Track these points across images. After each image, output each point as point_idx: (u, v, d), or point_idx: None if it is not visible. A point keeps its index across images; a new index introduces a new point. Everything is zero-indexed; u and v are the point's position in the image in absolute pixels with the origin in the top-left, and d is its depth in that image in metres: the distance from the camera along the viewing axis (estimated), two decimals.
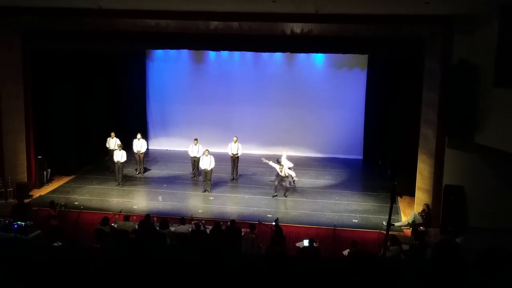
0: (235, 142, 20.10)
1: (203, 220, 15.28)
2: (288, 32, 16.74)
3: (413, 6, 13.47)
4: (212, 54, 23.79)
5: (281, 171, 18.18)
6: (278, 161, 18.81)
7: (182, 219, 14.61)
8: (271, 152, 23.32)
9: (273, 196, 18.25)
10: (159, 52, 24.19)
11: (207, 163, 18.57)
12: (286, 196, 18.33)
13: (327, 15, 15.01)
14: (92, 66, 21.45)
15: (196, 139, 20.13)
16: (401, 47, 16.96)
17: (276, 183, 18.42)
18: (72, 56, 20.11)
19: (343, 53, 20.59)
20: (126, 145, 20.21)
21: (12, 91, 17.64)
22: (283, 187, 18.46)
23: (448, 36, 15.02)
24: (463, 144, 14.95)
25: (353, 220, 16.37)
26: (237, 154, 20.03)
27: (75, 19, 16.35)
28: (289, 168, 18.85)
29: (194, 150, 20.04)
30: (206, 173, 18.62)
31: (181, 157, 22.00)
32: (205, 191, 18.64)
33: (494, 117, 13.64)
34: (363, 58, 22.57)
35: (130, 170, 20.83)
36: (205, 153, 18.75)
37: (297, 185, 19.21)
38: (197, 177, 20.00)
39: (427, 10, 13.89)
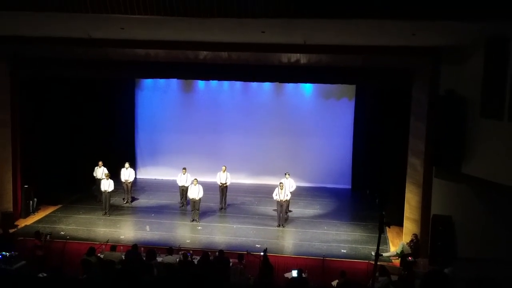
0: (224, 171, 20.08)
1: (191, 250, 15.13)
2: (277, 62, 16.89)
3: (400, 38, 13.65)
4: (201, 83, 23.89)
5: (281, 188, 18.12)
6: (285, 175, 19.18)
7: (170, 249, 14.47)
8: (260, 181, 23.39)
9: (277, 226, 18.26)
10: (148, 81, 24.26)
11: (195, 193, 18.48)
12: (283, 226, 18.26)
13: (315, 46, 15.17)
14: (81, 94, 21.53)
15: (184, 168, 20.09)
16: (389, 77, 17.14)
17: (278, 211, 18.38)
18: (60, 84, 20.16)
19: (331, 83, 20.79)
20: (114, 174, 20.08)
21: (0, 118, 17.54)
22: (283, 217, 18.41)
23: (435, 67, 15.18)
24: (451, 174, 15.01)
25: (342, 250, 16.30)
26: (225, 183, 19.99)
27: (65, 48, 16.38)
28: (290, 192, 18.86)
29: (182, 179, 19.97)
30: (195, 202, 18.52)
31: (169, 186, 21.91)
32: (193, 220, 18.52)
33: (481, 147, 13.73)
34: (351, 88, 22.79)
35: (117, 200, 20.68)
36: (194, 183, 18.67)
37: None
38: (185, 206, 19.89)
39: (414, 42, 14.08)
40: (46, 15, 12.12)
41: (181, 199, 20.18)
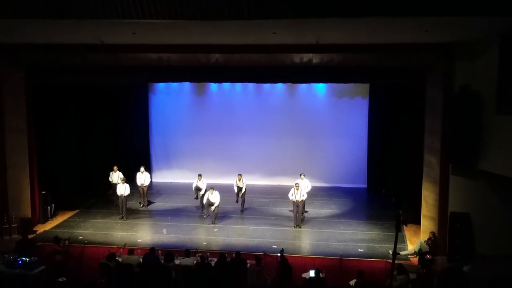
0: (240, 179, 19.97)
1: (208, 252, 15.17)
2: (289, 62, 16.87)
3: (413, 35, 13.57)
4: (214, 86, 24.00)
5: (297, 189, 18.15)
6: (300, 176, 19.22)
7: (187, 252, 14.50)
8: (275, 182, 23.41)
9: (294, 226, 18.28)
10: (161, 85, 24.40)
11: (213, 200, 18.53)
12: (300, 227, 18.26)
13: (328, 45, 15.11)
14: (95, 100, 21.65)
15: (200, 175, 20.05)
16: (403, 75, 17.02)
17: (295, 212, 18.43)
18: (75, 90, 20.30)
19: (345, 82, 20.71)
20: (130, 178, 20.18)
21: (16, 125, 17.70)
22: (300, 217, 18.43)
23: (449, 64, 15.07)
24: (468, 171, 14.90)
25: (359, 250, 16.23)
26: (242, 191, 19.92)
27: (78, 54, 16.48)
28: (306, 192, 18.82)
29: (198, 185, 19.97)
30: (214, 209, 18.59)
31: (185, 189, 21.96)
32: (213, 223, 18.56)
33: (497, 143, 13.62)
34: (364, 87, 22.72)
35: (133, 203, 20.80)
36: (211, 191, 18.62)
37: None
38: (205, 213, 19.57)
39: (427, 38, 13.99)
40: (59, 22, 12.20)
41: (202, 208, 19.80)
